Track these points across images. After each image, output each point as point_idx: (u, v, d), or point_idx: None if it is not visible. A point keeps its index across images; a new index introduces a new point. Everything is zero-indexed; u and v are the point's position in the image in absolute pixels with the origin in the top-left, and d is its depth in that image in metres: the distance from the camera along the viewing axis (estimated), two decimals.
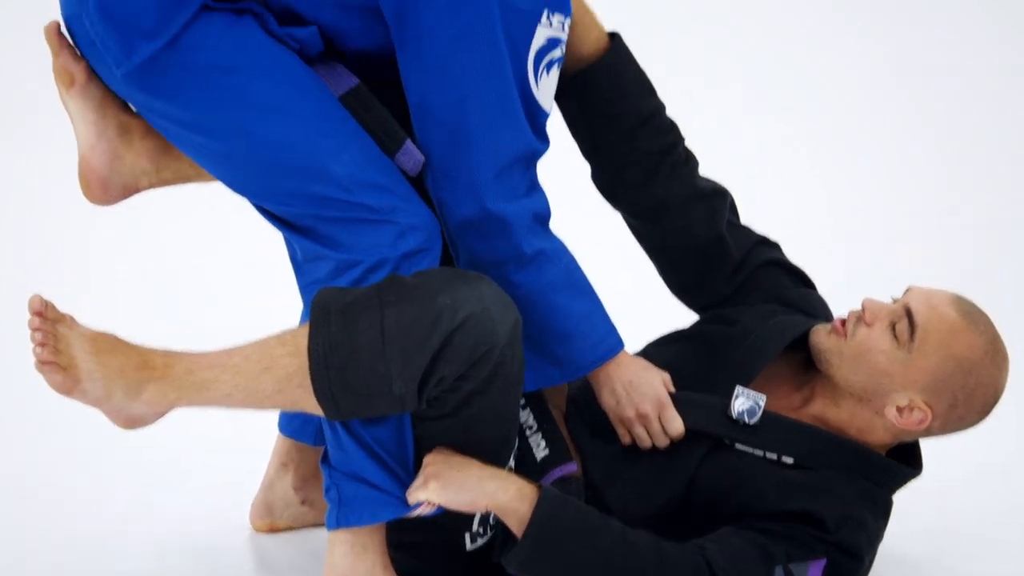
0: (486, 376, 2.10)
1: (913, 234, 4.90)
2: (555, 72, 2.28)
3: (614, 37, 2.50)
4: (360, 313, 2.08)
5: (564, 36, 2.25)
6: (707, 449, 2.30)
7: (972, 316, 2.27)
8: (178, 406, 2.17)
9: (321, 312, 2.11)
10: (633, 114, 2.47)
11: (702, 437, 2.32)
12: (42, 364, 2.08)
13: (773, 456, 2.27)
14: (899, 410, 2.27)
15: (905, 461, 2.37)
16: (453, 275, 2.12)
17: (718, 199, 2.53)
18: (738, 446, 2.29)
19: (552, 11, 2.22)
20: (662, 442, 2.33)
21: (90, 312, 2.31)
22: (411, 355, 2.06)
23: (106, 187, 2.35)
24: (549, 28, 2.23)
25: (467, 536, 2.28)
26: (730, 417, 2.30)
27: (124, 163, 2.34)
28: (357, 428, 2.17)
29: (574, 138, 2.56)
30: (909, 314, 2.26)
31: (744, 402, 2.30)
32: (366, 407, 2.11)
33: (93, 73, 2.27)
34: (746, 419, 2.29)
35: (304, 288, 2.31)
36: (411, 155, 2.24)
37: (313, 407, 2.14)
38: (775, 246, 2.60)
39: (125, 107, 2.33)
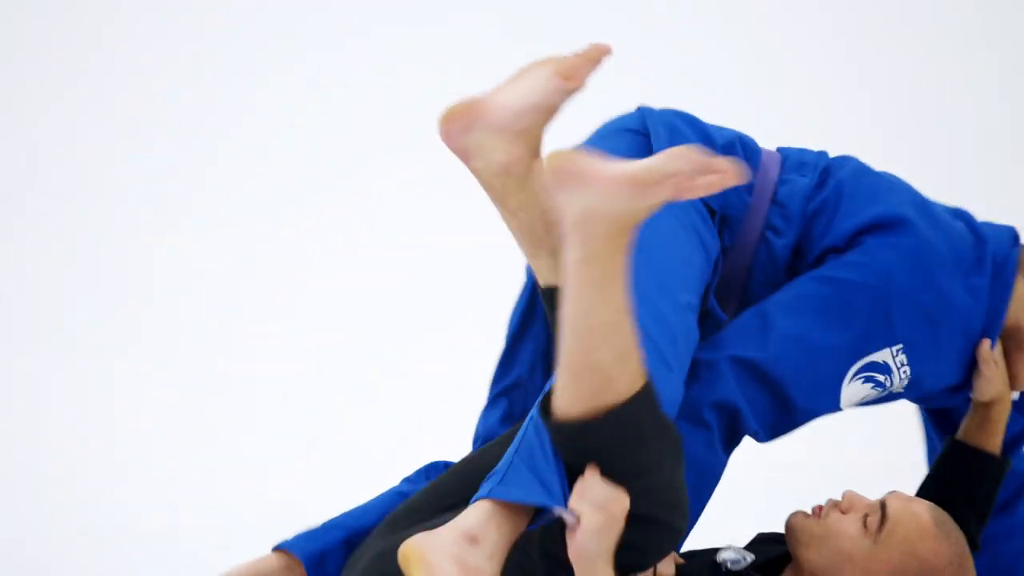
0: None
1: None
2: (865, 390, 2.44)
3: None
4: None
5: (895, 381, 2.45)
6: None
7: (945, 526, 2.30)
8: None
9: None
10: None
11: None
12: None
13: None
14: None
15: None
16: None
17: None
18: None
19: (904, 352, 2.43)
20: None
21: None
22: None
23: (468, 130, 2.32)
24: (891, 358, 2.43)
25: None
26: (715, 563, 2.34)
27: (500, 144, 2.33)
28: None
29: None
30: (883, 508, 2.29)
31: (731, 554, 2.35)
32: (631, 458, 2.10)
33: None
34: (728, 566, 2.33)
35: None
36: None
37: (607, 385, 2.07)
38: None
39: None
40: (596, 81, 2.39)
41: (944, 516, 2.31)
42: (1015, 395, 2.72)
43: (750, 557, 2.33)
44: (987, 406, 2.59)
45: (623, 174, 2.03)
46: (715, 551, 2.36)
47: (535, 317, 2.56)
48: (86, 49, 5.16)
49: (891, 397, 2.52)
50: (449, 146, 2.35)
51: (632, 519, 2.05)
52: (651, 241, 2.23)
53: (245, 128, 5.30)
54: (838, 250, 2.47)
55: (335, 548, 2.38)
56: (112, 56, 5.25)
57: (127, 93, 5.25)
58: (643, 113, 2.52)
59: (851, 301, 2.42)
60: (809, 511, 2.34)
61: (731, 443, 2.42)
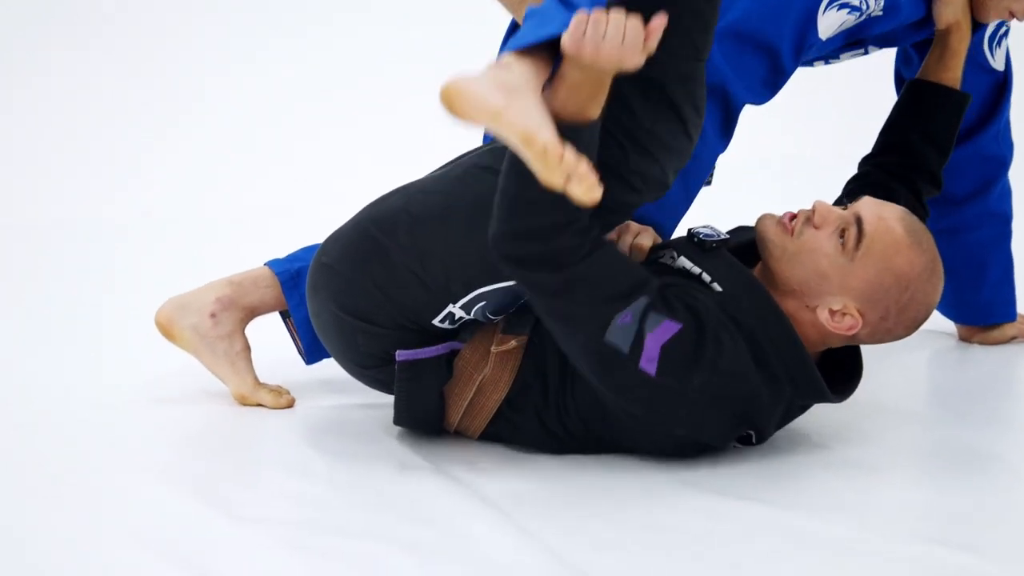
0: None
1: None
2: (842, 16, 2.49)
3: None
4: None
5: (871, 3, 2.49)
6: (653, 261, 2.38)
7: (917, 234, 2.29)
8: None
9: None
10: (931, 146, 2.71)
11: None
12: None
13: (707, 278, 2.30)
14: (831, 313, 2.28)
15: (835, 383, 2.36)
16: None
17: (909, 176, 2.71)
18: (680, 261, 2.34)
19: None
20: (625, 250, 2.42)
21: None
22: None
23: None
24: None
25: (436, 320, 2.32)
26: (689, 234, 2.37)
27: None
28: None
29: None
30: (859, 222, 2.28)
31: (706, 230, 2.38)
32: None
33: None
34: (702, 237, 2.35)
35: None
36: None
37: None
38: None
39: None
40: None
41: (915, 223, 2.33)
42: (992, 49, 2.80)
43: (725, 235, 2.37)
44: (946, 35, 2.68)
45: None
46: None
47: None
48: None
49: (871, 24, 2.56)
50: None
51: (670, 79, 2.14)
52: None
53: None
54: None
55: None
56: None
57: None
58: None
59: None
60: (778, 217, 2.35)
61: (727, 126, 2.47)
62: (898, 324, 2.30)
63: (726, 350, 2.19)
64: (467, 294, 2.28)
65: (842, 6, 2.49)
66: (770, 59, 2.47)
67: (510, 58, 2.11)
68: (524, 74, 2.09)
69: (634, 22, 2.01)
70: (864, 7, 2.52)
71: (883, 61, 3.04)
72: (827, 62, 2.78)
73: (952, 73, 2.71)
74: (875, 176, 2.68)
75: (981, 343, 3.06)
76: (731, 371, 2.20)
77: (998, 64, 2.84)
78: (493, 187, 2.19)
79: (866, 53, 2.78)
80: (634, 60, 2.03)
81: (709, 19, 2.18)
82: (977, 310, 3.03)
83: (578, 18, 2.02)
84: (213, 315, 2.60)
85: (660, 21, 2.02)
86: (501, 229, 2.15)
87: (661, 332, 2.16)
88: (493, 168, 2.24)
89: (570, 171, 1.98)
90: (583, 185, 1.98)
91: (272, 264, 2.66)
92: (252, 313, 2.65)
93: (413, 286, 2.28)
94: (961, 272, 2.96)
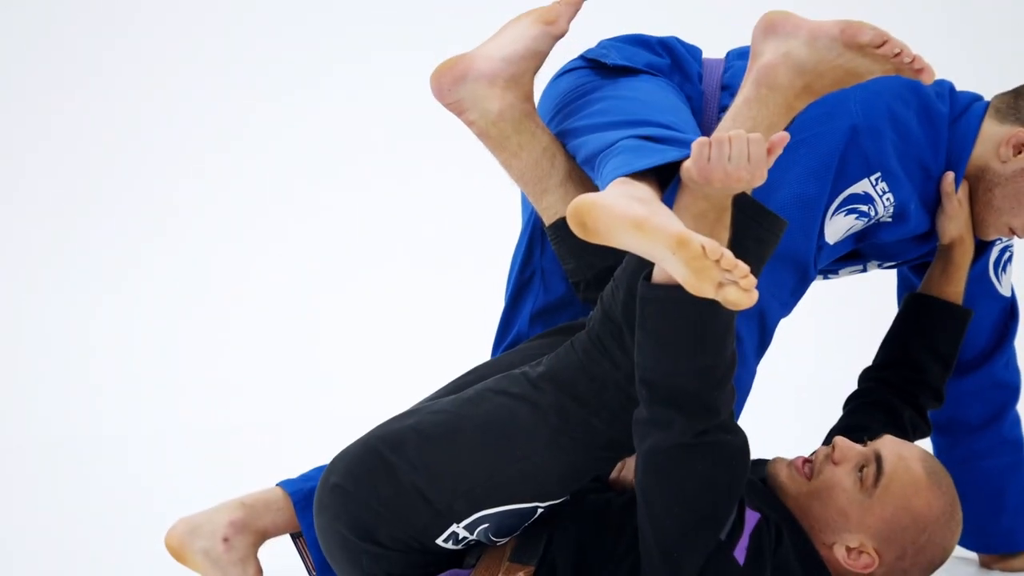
0: None
1: None
2: (849, 221, 2.49)
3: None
4: None
5: (879, 209, 2.49)
6: None
7: (937, 476, 2.29)
8: None
9: None
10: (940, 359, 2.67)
11: None
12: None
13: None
14: (848, 550, 2.27)
15: None
16: None
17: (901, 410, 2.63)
18: None
19: (884, 180, 2.47)
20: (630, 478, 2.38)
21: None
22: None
23: (458, 83, 2.40)
24: (871, 188, 2.46)
25: (440, 539, 2.25)
26: None
27: (492, 92, 2.40)
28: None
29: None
30: (879, 459, 2.27)
31: None
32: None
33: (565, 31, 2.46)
34: None
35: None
36: None
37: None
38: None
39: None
40: (582, 23, 2.45)
41: (936, 465, 2.28)
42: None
43: None
44: (949, 250, 2.62)
45: (831, 24, 2.18)
46: None
47: (532, 279, 2.63)
48: (97, 49, 5.16)
49: (878, 229, 2.53)
50: (442, 101, 2.41)
51: None
52: (670, 102, 2.31)
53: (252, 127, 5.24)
54: None
55: None
56: (123, 55, 5.26)
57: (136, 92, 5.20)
58: (585, 55, 2.57)
59: (821, 152, 2.43)
60: (789, 460, 2.32)
61: (762, 347, 2.45)
62: (914, 566, 2.25)
63: (783, 544, 2.21)
64: (471, 514, 2.22)
65: (850, 211, 2.49)
66: (799, 271, 2.45)
67: (626, 179, 2.08)
68: (650, 191, 2.07)
69: (756, 137, 1.98)
70: (873, 213, 2.49)
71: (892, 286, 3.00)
72: (826, 277, 2.77)
73: (955, 287, 2.69)
74: (877, 393, 2.64)
75: (1003, 570, 2.94)
76: (786, 566, 2.21)
77: (1005, 290, 2.84)
78: (503, 408, 2.21)
79: (864, 271, 2.76)
80: (762, 176, 1.99)
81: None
82: (997, 538, 2.93)
83: (700, 143, 2.01)
84: (226, 539, 2.50)
85: (782, 136, 2.00)
86: (687, 364, 2.05)
87: (749, 519, 2.19)
88: (507, 392, 2.24)
89: (728, 272, 1.89)
90: (743, 284, 1.89)
91: (285, 484, 2.57)
92: (264, 536, 2.56)
93: (418, 504, 2.22)
94: (978, 500, 2.86)
